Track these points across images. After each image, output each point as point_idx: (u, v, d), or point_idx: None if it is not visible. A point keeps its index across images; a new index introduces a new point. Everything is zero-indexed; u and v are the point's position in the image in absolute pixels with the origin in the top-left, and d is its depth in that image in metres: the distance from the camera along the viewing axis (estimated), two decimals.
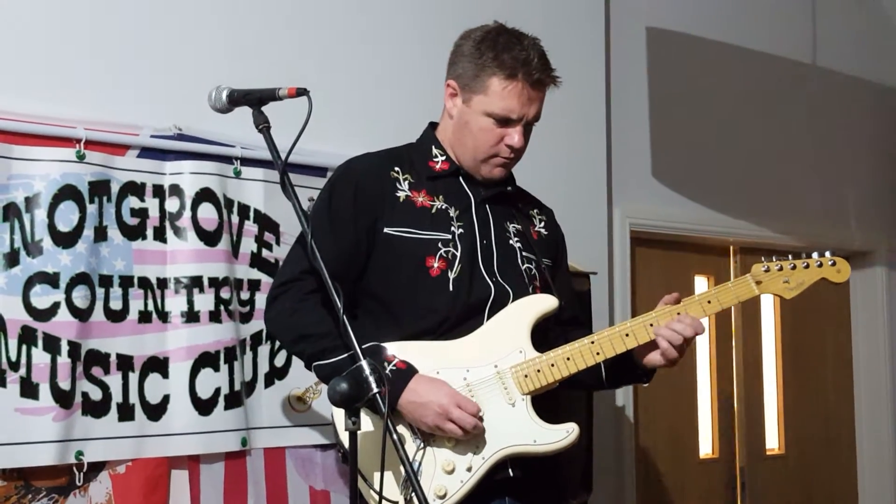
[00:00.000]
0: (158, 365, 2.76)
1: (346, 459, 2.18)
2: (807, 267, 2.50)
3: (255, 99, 2.25)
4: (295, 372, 2.97)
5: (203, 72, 2.90)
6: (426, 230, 2.39)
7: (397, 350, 2.31)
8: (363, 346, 2.06)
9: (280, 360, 2.98)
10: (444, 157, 2.50)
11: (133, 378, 2.71)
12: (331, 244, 2.29)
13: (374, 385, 1.99)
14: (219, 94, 2.30)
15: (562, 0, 3.91)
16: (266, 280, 2.94)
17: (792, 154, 4.92)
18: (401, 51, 3.41)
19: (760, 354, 4.95)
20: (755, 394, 4.90)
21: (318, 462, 3.02)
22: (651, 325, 2.41)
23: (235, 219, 2.92)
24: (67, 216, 2.62)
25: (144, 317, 2.75)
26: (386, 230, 2.39)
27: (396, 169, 2.46)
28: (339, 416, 2.27)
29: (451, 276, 2.38)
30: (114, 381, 2.68)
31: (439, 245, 2.39)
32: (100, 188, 2.68)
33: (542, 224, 2.62)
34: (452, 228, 2.42)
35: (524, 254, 2.49)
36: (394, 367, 2.26)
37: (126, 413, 2.69)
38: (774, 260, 2.50)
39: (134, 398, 2.71)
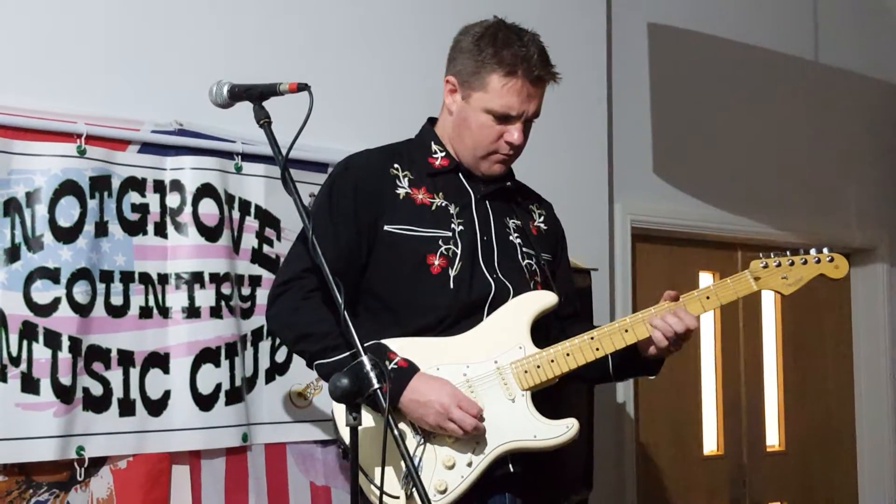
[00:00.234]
0: (159, 360, 2.76)
1: (346, 455, 2.18)
2: (805, 263, 2.51)
3: (256, 94, 2.25)
4: (296, 368, 2.97)
5: (204, 67, 2.90)
6: (426, 228, 2.39)
7: (397, 347, 2.31)
8: (365, 345, 2.06)
9: (281, 356, 2.98)
10: (443, 154, 2.50)
11: (134, 373, 2.71)
12: (331, 242, 2.29)
13: (374, 381, 1.99)
14: (220, 89, 2.30)
15: None
16: (267, 276, 2.94)
17: (793, 150, 4.92)
18: (402, 46, 3.41)
19: (761, 351, 4.95)
20: (756, 390, 4.90)
21: (319, 458, 3.02)
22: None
23: (236, 214, 2.92)
24: (68, 211, 2.62)
25: (145, 312, 2.75)
26: (386, 228, 2.39)
27: (396, 166, 2.45)
28: (339, 412, 2.27)
29: (452, 273, 2.38)
30: (115, 376, 2.68)
31: (440, 242, 2.39)
32: (100, 183, 2.68)
33: (542, 218, 2.62)
34: (453, 225, 2.41)
35: (524, 249, 2.49)
36: (395, 366, 2.26)
37: (127, 408, 2.69)
38: (773, 256, 2.50)
39: (135, 393, 2.71)
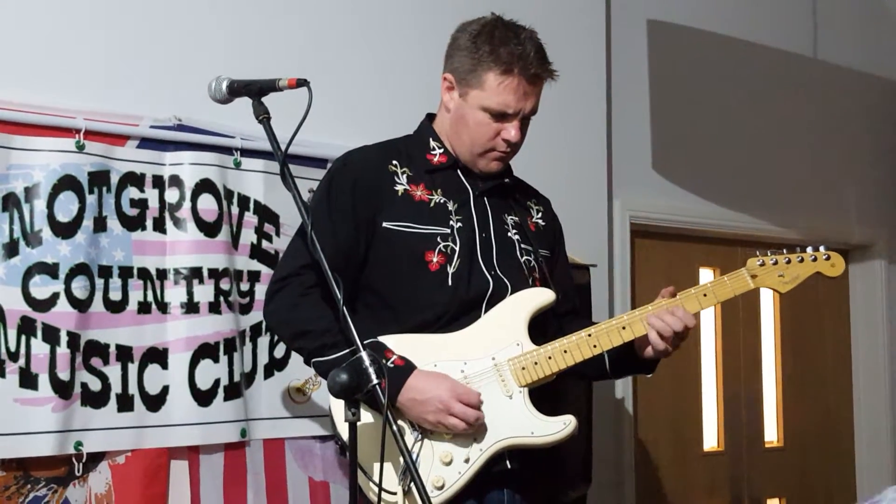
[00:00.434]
0: (158, 356, 2.76)
1: (344, 451, 2.18)
2: (801, 261, 2.52)
3: (256, 89, 2.25)
4: (294, 363, 2.97)
5: (203, 62, 2.90)
6: (425, 224, 2.39)
7: (395, 343, 2.31)
8: (363, 342, 2.06)
9: (279, 352, 2.98)
10: (441, 150, 2.50)
11: (132, 369, 2.71)
12: (330, 238, 2.29)
13: (373, 376, 1.99)
14: (219, 84, 2.29)
15: None
16: (266, 271, 2.94)
17: (792, 147, 4.92)
18: (401, 42, 3.41)
19: (760, 348, 4.96)
20: (755, 387, 4.91)
21: (318, 453, 3.02)
22: None
23: (235, 210, 2.92)
24: (67, 206, 2.62)
25: (144, 308, 2.75)
26: (385, 224, 2.39)
27: (394, 162, 2.45)
28: (336, 408, 2.27)
29: (450, 270, 2.38)
30: (113, 371, 2.68)
31: (438, 239, 2.39)
32: (99, 178, 2.68)
33: (540, 214, 2.62)
34: (451, 222, 2.41)
35: (522, 246, 2.49)
36: (392, 365, 2.25)
37: (125, 404, 2.69)
38: (769, 254, 2.51)
39: (133, 389, 2.71)
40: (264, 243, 2.97)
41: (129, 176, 2.75)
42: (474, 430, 2.27)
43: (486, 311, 2.39)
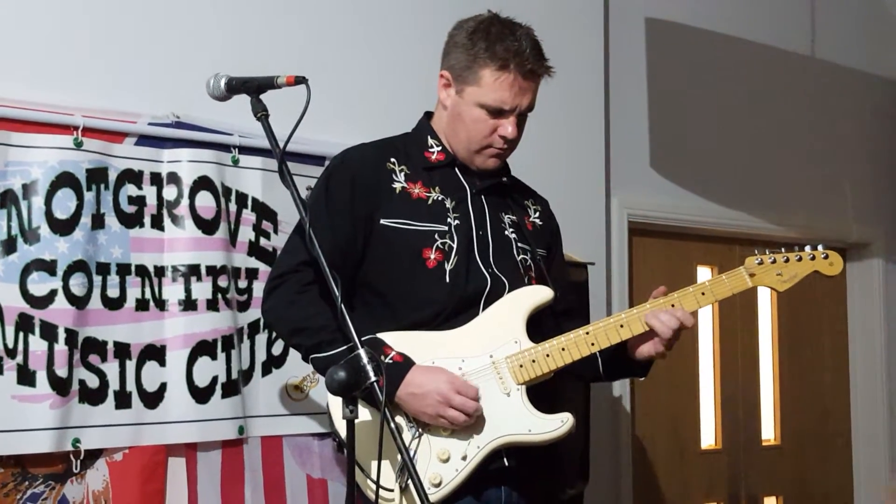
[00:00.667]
0: (156, 353, 2.76)
1: (342, 448, 2.18)
2: (799, 260, 2.52)
3: (254, 87, 2.25)
4: (292, 360, 2.97)
5: (201, 59, 2.90)
6: (422, 222, 2.39)
7: (393, 340, 2.31)
8: (362, 339, 2.06)
9: (277, 349, 2.98)
10: (439, 148, 2.50)
11: (130, 366, 2.71)
12: (328, 235, 2.29)
13: (371, 374, 1.99)
14: (217, 81, 2.29)
15: None
16: (264, 269, 2.94)
17: (790, 145, 4.92)
18: (400, 39, 3.41)
19: (757, 346, 4.96)
20: (752, 385, 4.91)
21: (316, 451, 3.03)
22: None
23: (233, 207, 2.92)
24: (65, 203, 2.62)
25: (142, 305, 2.75)
26: (382, 221, 2.39)
27: (392, 160, 2.45)
28: (334, 405, 2.27)
29: (448, 267, 2.38)
30: (111, 368, 2.68)
31: (436, 237, 2.39)
32: (97, 176, 2.68)
33: (537, 214, 2.62)
34: (448, 220, 2.42)
35: (519, 244, 2.50)
36: (390, 361, 2.26)
37: (123, 401, 2.69)
38: (768, 253, 2.52)
39: (131, 386, 2.71)
40: (262, 241, 2.98)
41: (127, 173, 2.75)
42: (471, 426, 2.27)
43: (483, 309, 2.39)
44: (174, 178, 2.82)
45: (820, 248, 2.54)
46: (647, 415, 4.39)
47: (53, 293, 2.59)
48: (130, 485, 2.69)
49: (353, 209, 2.39)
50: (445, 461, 2.26)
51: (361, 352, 2.02)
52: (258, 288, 2.90)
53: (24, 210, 2.58)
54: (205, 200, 2.84)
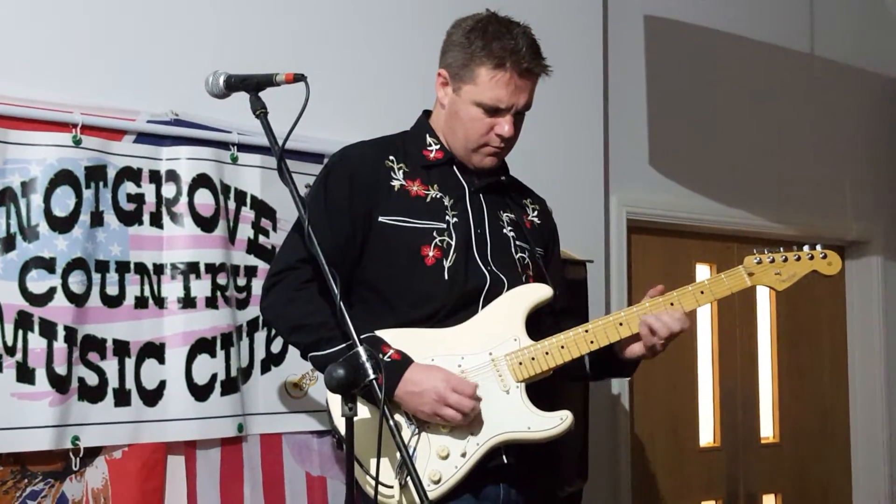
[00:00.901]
0: (155, 351, 2.76)
1: (341, 445, 2.18)
2: (798, 259, 2.53)
3: (253, 84, 2.25)
4: (291, 358, 2.97)
5: (200, 57, 2.90)
6: (421, 219, 2.40)
7: (392, 337, 2.31)
8: (360, 337, 2.06)
9: (276, 347, 2.98)
10: (437, 146, 2.50)
11: (129, 364, 2.71)
12: (327, 233, 2.29)
13: (370, 371, 2.00)
14: (216, 79, 2.29)
15: None
16: (263, 266, 2.94)
17: (789, 144, 4.92)
18: (399, 37, 3.41)
19: (756, 344, 4.96)
20: (751, 383, 4.91)
21: (315, 448, 3.03)
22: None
23: (232, 205, 2.92)
24: (64, 201, 2.62)
25: (141, 302, 2.75)
26: (381, 219, 2.39)
27: (391, 158, 2.46)
28: (333, 402, 2.28)
29: (447, 264, 2.38)
30: (110, 366, 2.68)
31: (434, 234, 2.39)
32: (96, 173, 2.68)
33: (535, 213, 2.62)
34: (447, 217, 2.42)
35: (518, 243, 2.50)
36: (389, 359, 2.26)
37: (122, 398, 2.69)
38: (766, 252, 2.53)
39: (130, 384, 2.71)
40: (261, 238, 2.98)
41: (125, 171, 2.75)
42: (470, 423, 2.27)
43: (482, 307, 2.39)
44: (173, 176, 2.82)
45: (819, 247, 2.54)
46: (645, 413, 4.40)
47: (52, 291, 2.59)
48: (130, 482, 2.69)
49: (351, 207, 2.39)
50: (445, 458, 2.27)
51: (360, 349, 2.02)
52: (257, 285, 2.90)
53: (23, 208, 2.58)
54: (203, 198, 2.84)
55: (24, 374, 2.54)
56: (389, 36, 3.40)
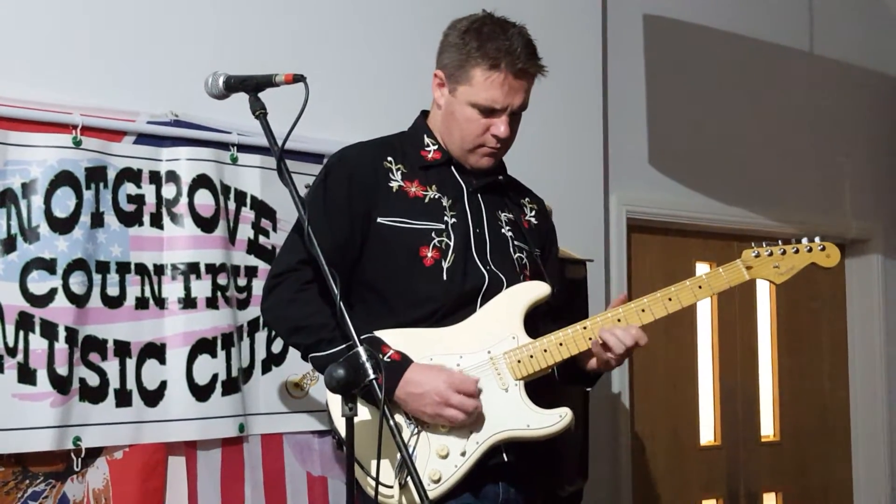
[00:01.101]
0: (155, 351, 2.77)
1: (341, 445, 2.19)
2: (796, 252, 2.52)
3: (252, 85, 2.25)
4: (292, 358, 2.97)
5: (200, 58, 2.90)
6: (419, 220, 2.40)
7: (391, 337, 2.31)
8: (360, 337, 2.06)
9: (277, 347, 2.98)
10: (435, 147, 2.50)
11: (130, 364, 2.72)
12: (326, 233, 2.29)
13: (370, 371, 2.00)
14: (215, 80, 2.30)
15: None
16: (263, 266, 2.94)
17: (788, 142, 4.92)
18: (399, 37, 3.41)
19: (756, 342, 4.97)
20: (751, 381, 4.92)
21: (316, 448, 3.03)
22: (643, 310, 2.43)
23: (232, 205, 2.93)
24: (64, 202, 2.63)
25: (141, 303, 2.75)
26: (379, 220, 2.39)
27: (389, 159, 2.46)
28: (333, 403, 2.28)
29: (445, 265, 2.38)
30: (111, 367, 2.69)
31: (433, 235, 2.39)
32: (96, 174, 2.69)
33: (533, 213, 2.62)
34: (445, 218, 2.42)
35: (516, 243, 2.50)
36: (388, 360, 2.26)
37: (123, 399, 2.70)
38: (764, 245, 2.51)
39: (131, 384, 2.72)
40: (261, 238, 2.98)
41: (125, 172, 2.75)
42: (472, 422, 2.28)
43: (481, 306, 2.39)
44: (173, 177, 2.82)
45: (817, 240, 2.52)
46: (646, 411, 4.40)
47: (53, 292, 2.59)
48: (131, 483, 2.69)
49: (350, 207, 2.39)
50: (444, 457, 2.27)
51: (360, 350, 2.02)
52: (257, 286, 2.91)
53: (24, 209, 2.59)
54: (204, 199, 2.84)
55: (26, 375, 2.55)
56: (389, 36, 3.40)
